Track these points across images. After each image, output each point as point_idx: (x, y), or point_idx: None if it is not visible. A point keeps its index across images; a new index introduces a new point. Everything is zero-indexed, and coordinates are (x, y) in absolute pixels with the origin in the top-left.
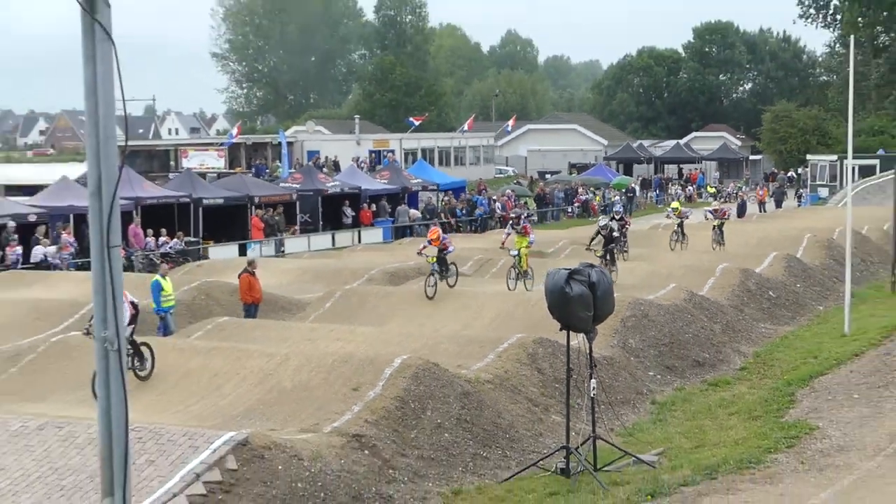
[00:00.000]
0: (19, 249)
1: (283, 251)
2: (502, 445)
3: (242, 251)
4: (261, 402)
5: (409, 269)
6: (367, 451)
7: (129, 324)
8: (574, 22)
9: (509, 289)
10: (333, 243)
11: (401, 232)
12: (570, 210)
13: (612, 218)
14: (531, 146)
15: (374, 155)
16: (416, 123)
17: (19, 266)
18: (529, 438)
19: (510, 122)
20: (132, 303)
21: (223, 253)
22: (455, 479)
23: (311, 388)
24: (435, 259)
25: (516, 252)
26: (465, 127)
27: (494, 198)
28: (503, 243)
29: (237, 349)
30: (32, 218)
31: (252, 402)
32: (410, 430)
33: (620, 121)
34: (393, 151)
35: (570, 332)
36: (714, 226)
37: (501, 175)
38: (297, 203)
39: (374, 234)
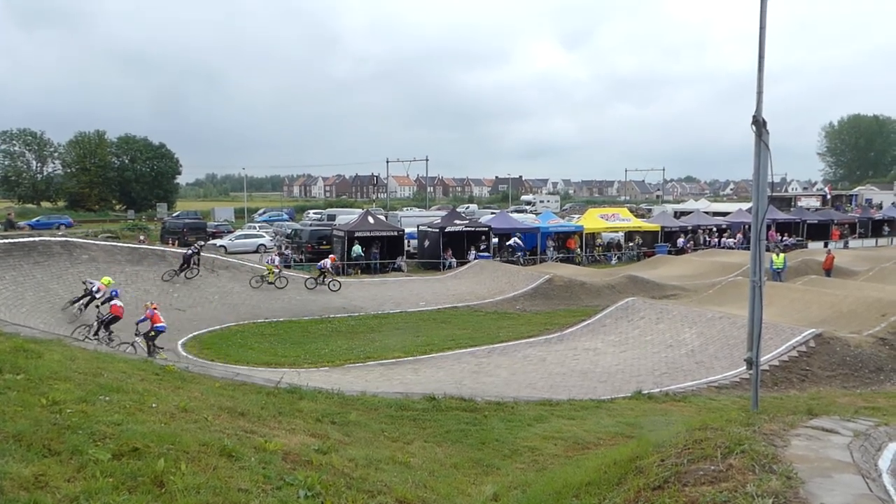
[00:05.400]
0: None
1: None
2: None
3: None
4: (828, 318)
5: None
6: (886, 346)
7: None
8: None
9: None
10: None
11: None
12: None
13: None
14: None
15: None
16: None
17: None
18: None
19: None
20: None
21: (814, 245)
22: None
23: (857, 313)
24: None
25: None
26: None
27: None
28: None
29: (819, 290)
30: (724, 226)
31: (825, 316)
32: None
33: None
34: None
35: None
36: None
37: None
38: None
39: None
